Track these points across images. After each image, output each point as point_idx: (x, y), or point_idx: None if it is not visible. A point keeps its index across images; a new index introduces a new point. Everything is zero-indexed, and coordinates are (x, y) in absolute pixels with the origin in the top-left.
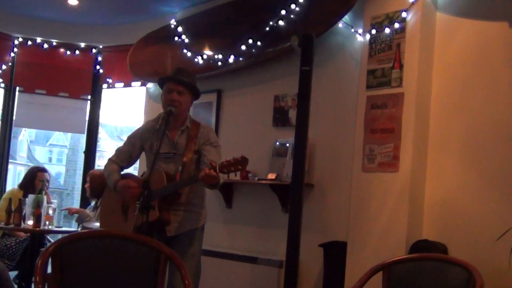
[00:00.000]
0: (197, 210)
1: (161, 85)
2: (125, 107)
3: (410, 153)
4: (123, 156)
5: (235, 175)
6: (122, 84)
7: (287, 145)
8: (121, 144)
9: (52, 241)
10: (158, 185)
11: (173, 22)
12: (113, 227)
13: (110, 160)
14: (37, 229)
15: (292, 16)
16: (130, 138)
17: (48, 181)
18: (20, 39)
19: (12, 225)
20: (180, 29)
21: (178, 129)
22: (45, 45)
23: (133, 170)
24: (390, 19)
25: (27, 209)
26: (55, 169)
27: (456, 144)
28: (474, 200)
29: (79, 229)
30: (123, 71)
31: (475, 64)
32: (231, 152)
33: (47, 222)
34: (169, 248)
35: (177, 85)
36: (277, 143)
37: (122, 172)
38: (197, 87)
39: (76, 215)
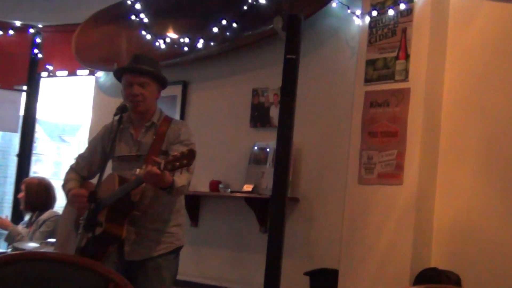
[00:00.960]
0: (168, 228)
1: (118, 77)
2: (69, 101)
3: (416, 162)
4: (83, 163)
5: (210, 189)
6: (65, 73)
7: (268, 150)
8: (64, 145)
9: None
10: (109, 192)
11: None
12: (64, 247)
13: (70, 167)
14: None
15: None
16: (90, 141)
17: None
18: None
19: None
20: (138, 6)
21: (143, 126)
22: None
23: None
24: None
25: None
26: None
27: (473, 152)
28: (494, 221)
29: (9, 250)
30: (67, 56)
31: (496, 54)
32: (198, 158)
33: None
34: (121, 276)
35: (137, 77)
36: (255, 148)
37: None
38: (163, 75)
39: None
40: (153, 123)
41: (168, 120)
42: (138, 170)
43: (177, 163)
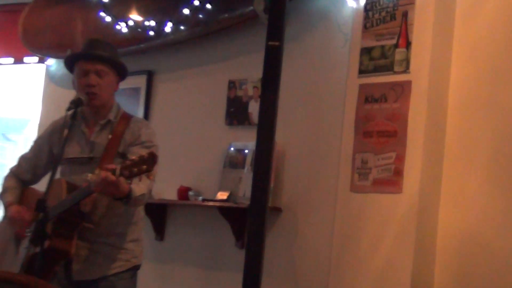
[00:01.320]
0: (124, 243)
1: (70, 66)
2: (15, 92)
3: (418, 167)
4: (27, 166)
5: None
6: (11, 60)
7: (246, 151)
8: (9, 144)
9: None
10: (55, 200)
11: None
12: (2, 263)
13: (9, 171)
14: None
15: None
16: (36, 140)
17: None
18: None
19: None
20: None
21: (98, 124)
22: None
23: None
24: None
25: None
26: None
27: (484, 155)
28: (509, 238)
29: None
30: (12, 41)
31: (511, 43)
32: (165, 161)
33: None
34: None
35: (94, 64)
36: (231, 149)
37: None
38: (123, 63)
39: None
40: (109, 120)
41: (127, 118)
42: (90, 176)
43: (135, 169)
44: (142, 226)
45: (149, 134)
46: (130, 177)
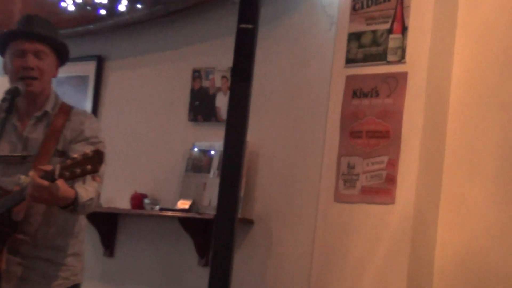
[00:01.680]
0: (63, 259)
1: (2, 47)
2: None
3: (414, 173)
4: None
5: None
6: None
7: (212, 153)
8: None
9: None
10: None
11: None
12: None
13: None
14: None
15: None
16: None
17: None
18: None
19: None
20: None
21: (32, 117)
22: None
23: None
24: None
25: None
26: None
27: (490, 161)
28: None
29: None
30: None
31: None
32: (116, 162)
33: None
34: None
35: (33, 43)
36: (195, 149)
37: None
38: (64, 43)
39: None
40: (46, 112)
41: (67, 110)
42: (23, 178)
43: (78, 170)
44: (83, 237)
45: (93, 128)
46: (71, 178)
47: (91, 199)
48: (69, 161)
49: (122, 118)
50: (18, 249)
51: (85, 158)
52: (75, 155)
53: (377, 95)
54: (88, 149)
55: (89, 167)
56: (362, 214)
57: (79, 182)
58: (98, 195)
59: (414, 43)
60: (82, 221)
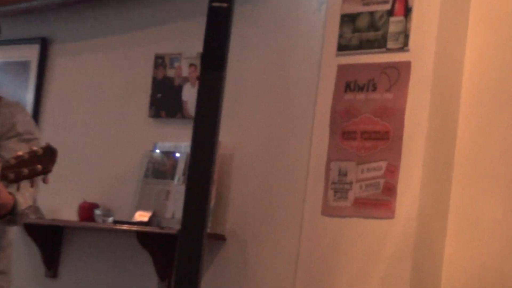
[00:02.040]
0: None
1: None
2: None
3: (417, 182)
4: None
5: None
6: None
7: (177, 155)
8: None
9: None
10: None
11: None
12: None
13: None
14: None
15: None
16: None
17: None
18: None
19: None
20: None
21: None
22: None
23: None
24: None
25: None
26: None
27: (507, 168)
28: None
29: None
30: None
31: None
32: (61, 165)
33: None
34: None
35: None
36: (157, 151)
37: None
38: None
39: None
40: None
41: None
42: None
43: (25, 170)
44: (11, 253)
45: (26, 122)
46: (17, 181)
47: (29, 207)
48: (12, 160)
49: (69, 113)
50: None
51: (34, 156)
52: (20, 153)
53: (375, 88)
54: (21, 147)
55: (39, 166)
56: (355, 231)
57: (13, 187)
58: (35, 202)
59: (419, 27)
60: (10, 233)
